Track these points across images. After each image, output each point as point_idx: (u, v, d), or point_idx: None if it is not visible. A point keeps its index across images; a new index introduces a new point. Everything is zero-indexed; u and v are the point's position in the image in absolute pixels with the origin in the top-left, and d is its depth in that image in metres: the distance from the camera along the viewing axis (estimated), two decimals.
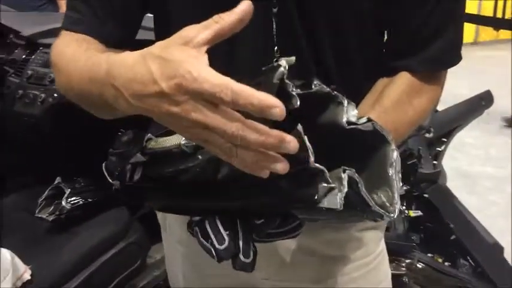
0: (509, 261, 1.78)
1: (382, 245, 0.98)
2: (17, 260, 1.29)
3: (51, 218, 1.53)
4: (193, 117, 0.44)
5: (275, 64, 0.50)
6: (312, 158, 0.47)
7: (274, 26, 0.74)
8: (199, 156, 0.59)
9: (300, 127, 0.47)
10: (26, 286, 1.30)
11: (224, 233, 0.57)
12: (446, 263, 1.81)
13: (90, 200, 1.58)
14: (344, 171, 0.50)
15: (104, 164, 0.72)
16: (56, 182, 1.60)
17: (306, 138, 0.47)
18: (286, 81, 0.49)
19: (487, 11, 6.01)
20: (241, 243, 0.57)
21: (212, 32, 0.47)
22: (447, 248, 1.85)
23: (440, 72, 0.82)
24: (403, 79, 0.78)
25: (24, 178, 1.91)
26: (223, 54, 0.77)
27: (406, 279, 1.68)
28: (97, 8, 0.76)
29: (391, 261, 1.76)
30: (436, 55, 0.77)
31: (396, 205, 0.54)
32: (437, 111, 2.01)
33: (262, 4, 0.73)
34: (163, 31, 0.80)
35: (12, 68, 1.82)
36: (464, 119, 2.09)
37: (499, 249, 1.82)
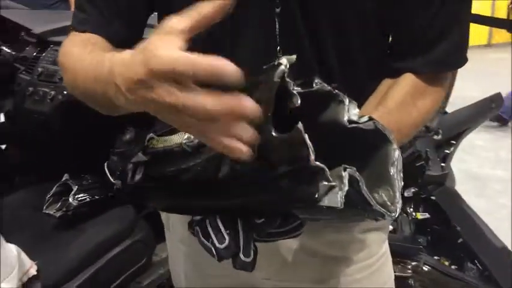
0: None
1: (386, 247, 0.97)
2: (24, 255, 1.30)
3: (58, 215, 1.55)
4: (167, 100, 0.45)
5: (276, 63, 0.50)
6: (312, 156, 0.47)
7: (277, 26, 0.74)
8: (201, 155, 0.59)
9: (300, 125, 0.46)
10: (32, 281, 1.31)
11: (224, 232, 0.58)
12: (453, 266, 1.80)
13: (97, 197, 1.60)
14: (345, 170, 0.50)
15: (106, 164, 0.73)
16: (63, 178, 1.61)
17: (306, 136, 0.46)
18: (287, 79, 0.49)
19: (501, 13, 5.96)
20: (241, 242, 0.57)
21: (191, 20, 0.47)
22: (454, 251, 1.84)
23: (445, 74, 0.81)
24: (407, 80, 0.78)
25: (33, 175, 1.93)
26: (226, 55, 0.77)
27: (412, 282, 1.68)
28: (103, 8, 0.77)
29: (396, 263, 1.76)
30: (441, 57, 0.77)
31: (397, 204, 0.53)
32: (446, 113, 2.00)
33: (265, 4, 0.73)
34: None
35: (23, 65, 1.84)
36: (474, 121, 2.07)
37: (507, 253, 1.80)
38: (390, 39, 0.82)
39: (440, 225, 1.88)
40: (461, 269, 1.78)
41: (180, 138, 0.61)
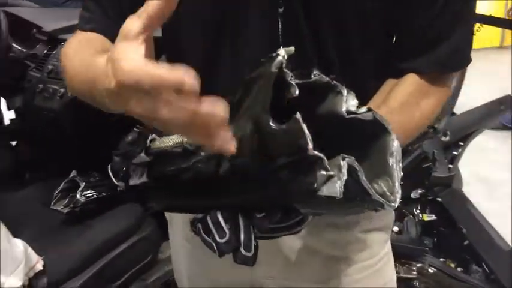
0: None
1: (388, 247, 0.97)
2: (30, 250, 1.32)
3: (66, 211, 1.57)
4: (139, 111, 0.45)
5: (273, 54, 0.50)
6: (310, 146, 0.46)
7: (279, 26, 0.74)
8: (202, 152, 0.59)
9: (298, 115, 0.46)
10: (38, 276, 1.33)
11: (225, 227, 0.58)
12: (458, 269, 1.79)
13: (104, 194, 1.61)
14: (343, 159, 0.49)
15: (109, 166, 0.73)
16: (71, 175, 1.63)
17: (304, 126, 0.46)
18: (285, 70, 0.49)
19: None
20: (242, 236, 0.57)
21: (143, 20, 0.47)
22: (460, 253, 1.83)
23: (449, 74, 0.81)
24: (411, 81, 0.78)
25: (42, 171, 1.95)
26: (229, 55, 0.78)
27: (417, 284, 1.67)
28: (107, 8, 0.78)
29: (402, 264, 1.76)
30: (444, 57, 0.76)
31: (397, 194, 0.52)
32: (454, 114, 1.99)
33: (268, 4, 0.73)
34: (171, 28, 0.81)
35: (33, 62, 1.86)
36: (483, 123, 2.06)
37: None
38: (394, 39, 0.82)
39: (446, 227, 1.87)
40: (467, 272, 1.77)
41: (181, 137, 0.61)
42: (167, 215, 1.03)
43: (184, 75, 0.42)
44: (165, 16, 0.48)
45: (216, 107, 0.43)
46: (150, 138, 0.67)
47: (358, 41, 0.77)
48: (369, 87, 0.80)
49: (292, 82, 0.49)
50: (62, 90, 1.71)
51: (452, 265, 1.80)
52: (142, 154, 0.65)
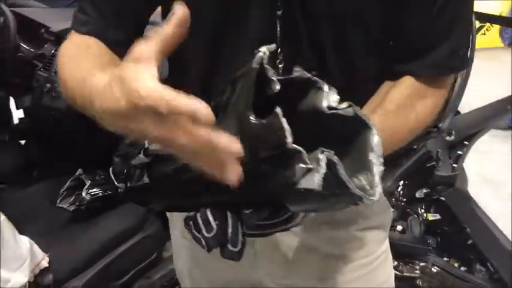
0: None
1: (386, 246, 0.98)
2: (36, 247, 1.34)
3: (71, 208, 1.59)
4: (150, 133, 0.46)
5: (256, 51, 0.51)
6: (289, 139, 0.47)
7: (278, 28, 0.74)
8: None
9: (278, 110, 0.47)
10: (44, 273, 1.35)
11: (213, 223, 0.60)
12: (462, 268, 1.79)
13: (109, 192, 1.62)
14: (322, 153, 0.49)
15: (111, 168, 0.74)
16: (77, 173, 1.65)
17: (284, 120, 0.46)
18: (266, 66, 0.50)
19: None
20: (230, 232, 0.59)
21: (157, 44, 0.48)
22: (464, 253, 1.82)
23: (446, 76, 0.81)
24: (407, 83, 0.78)
25: (49, 169, 1.97)
26: (229, 56, 0.78)
27: (420, 283, 1.68)
28: (104, 10, 0.77)
29: (405, 263, 1.76)
30: (442, 59, 0.76)
31: (376, 188, 0.53)
32: (458, 113, 1.98)
33: (267, 6, 0.74)
34: None
35: (41, 62, 1.88)
36: (488, 122, 2.04)
37: None
38: (391, 42, 0.82)
39: (450, 227, 1.87)
40: (471, 271, 1.77)
41: None
42: (168, 214, 1.04)
43: (202, 106, 0.43)
44: (176, 44, 0.49)
45: (233, 144, 0.44)
46: None
47: (357, 44, 0.77)
48: (367, 90, 0.80)
49: (274, 78, 0.50)
50: None
51: (456, 264, 1.80)
52: (141, 155, 0.66)
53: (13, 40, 1.89)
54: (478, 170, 3.18)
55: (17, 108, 2.05)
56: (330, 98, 0.56)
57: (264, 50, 0.50)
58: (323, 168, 0.48)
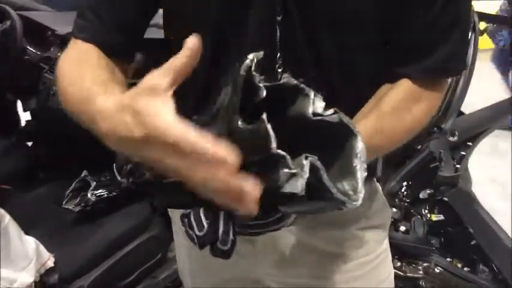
0: None
1: (386, 245, 0.98)
2: (42, 248, 1.36)
3: (77, 209, 1.61)
4: (165, 164, 0.46)
5: (244, 59, 0.52)
6: (273, 145, 0.48)
7: (278, 34, 0.75)
8: None
9: (264, 116, 0.48)
10: (49, 273, 1.37)
11: (205, 222, 0.61)
12: (465, 268, 1.78)
13: (114, 193, 1.64)
14: (306, 158, 0.50)
15: (114, 164, 0.75)
16: (82, 174, 1.66)
17: (269, 125, 0.47)
18: (253, 73, 0.50)
19: None
20: (220, 231, 0.60)
21: (172, 76, 0.49)
22: (467, 253, 1.82)
23: (442, 80, 0.82)
24: (404, 86, 0.78)
25: (55, 171, 1.99)
26: (230, 61, 0.79)
27: (423, 283, 1.68)
28: (104, 16, 0.77)
29: (408, 264, 1.76)
30: (438, 63, 0.77)
31: (360, 194, 0.54)
32: (461, 113, 1.97)
33: (266, 12, 0.74)
34: (174, 28, 0.82)
35: (47, 64, 1.90)
36: (492, 123, 2.03)
37: None
38: (390, 44, 0.82)
39: (453, 227, 1.86)
40: (474, 271, 1.77)
41: None
42: (170, 213, 1.05)
43: (228, 152, 0.44)
44: (187, 74, 0.50)
45: (256, 186, 0.46)
46: None
47: (356, 49, 0.77)
48: (367, 94, 0.81)
49: (260, 84, 0.50)
50: None
51: (459, 265, 1.80)
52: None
53: (20, 43, 1.91)
54: (482, 170, 3.16)
55: (24, 110, 2.07)
56: (316, 105, 0.57)
57: (251, 58, 0.51)
58: (306, 173, 0.50)
